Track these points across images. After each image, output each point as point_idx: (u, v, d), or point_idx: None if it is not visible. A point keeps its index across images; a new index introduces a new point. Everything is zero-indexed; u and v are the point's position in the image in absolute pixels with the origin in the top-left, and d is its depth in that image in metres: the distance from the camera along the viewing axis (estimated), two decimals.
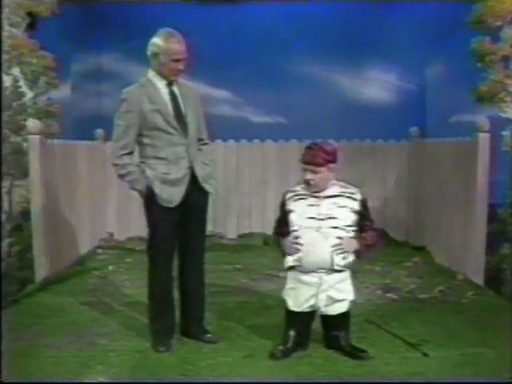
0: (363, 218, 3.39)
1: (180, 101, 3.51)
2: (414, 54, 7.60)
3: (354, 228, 3.36)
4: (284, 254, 3.40)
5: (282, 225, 3.43)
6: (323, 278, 3.31)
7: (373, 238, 3.44)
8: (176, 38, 3.45)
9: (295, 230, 3.34)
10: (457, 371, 3.18)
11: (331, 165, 3.33)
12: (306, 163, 3.32)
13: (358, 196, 3.38)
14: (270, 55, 7.53)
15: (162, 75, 3.48)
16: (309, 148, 3.36)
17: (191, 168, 3.50)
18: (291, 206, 3.38)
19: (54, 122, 5.63)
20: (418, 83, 7.80)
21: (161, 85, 3.49)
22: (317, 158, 3.30)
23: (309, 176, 3.32)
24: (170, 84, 3.50)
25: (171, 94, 3.50)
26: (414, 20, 7.48)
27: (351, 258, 3.35)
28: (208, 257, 5.73)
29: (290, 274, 3.42)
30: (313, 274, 3.32)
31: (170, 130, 3.45)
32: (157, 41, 3.45)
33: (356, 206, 3.36)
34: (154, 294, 3.58)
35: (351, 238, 3.34)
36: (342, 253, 3.30)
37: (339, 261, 3.30)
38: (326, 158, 3.31)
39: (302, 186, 3.41)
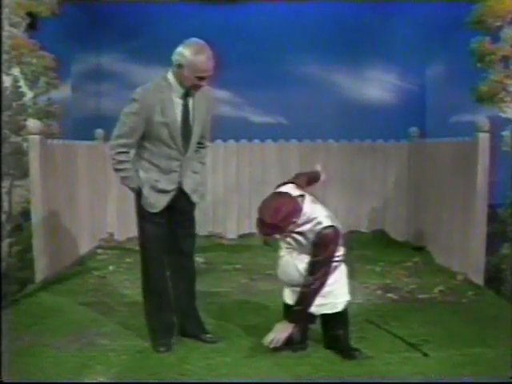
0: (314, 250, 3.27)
1: (191, 116, 3.44)
2: (413, 54, 7.60)
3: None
4: None
5: None
6: None
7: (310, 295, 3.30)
8: (205, 53, 3.30)
9: None
10: (457, 371, 3.18)
11: (286, 225, 3.20)
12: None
13: (317, 230, 3.23)
14: (270, 55, 7.53)
15: (182, 85, 3.38)
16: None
17: (181, 182, 3.50)
18: None
19: (54, 122, 5.63)
20: (418, 83, 7.80)
21: (177, 94, 3.38)
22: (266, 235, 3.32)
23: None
24: (186, 94, 3.41)
25: (184, 107, 3.41)
26: (413, 20, 7.48)
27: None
28: (208, 257, 5.75)
29: None
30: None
31: (172, 145, 3.42)
32: (185, 52, 3.29)
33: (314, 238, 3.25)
34: (148, 293, 3.59)
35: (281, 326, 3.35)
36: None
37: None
38: (270, 230, 3.22)
39: None
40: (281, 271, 3.44)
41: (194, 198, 3.58)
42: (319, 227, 3.22)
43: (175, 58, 3.33)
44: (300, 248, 3.31)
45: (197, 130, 3.48)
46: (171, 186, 3.47)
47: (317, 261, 3.22)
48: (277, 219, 3.15)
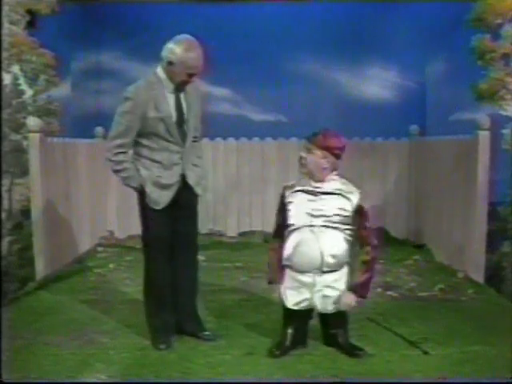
0: (357, 223, 3.32)
1: (184, 109, 3.47)
2: (414, 52, 7.58)
3: (347, 227, 3.31)
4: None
5: (281, 227, 3.41)
6: (316, 278, 3.30)
7: (373, 263, 3.40)
8: (196, 51, 3.33)
9: (291, 226, 3.32)
10: (457, 369, 3.18)
11: (332, 157, 3.41)
12: (310, 143, 3.41)
13: (355, 199, 3.32)
14: (270, 53, 7.51)
15: (172, 81, 3.41)
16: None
17: (183, 174, 3.50)
18: (289, 198, 3.37)
19: (53, 119, 5.63)
20: (418, 81, 7.78)
21: (169, 89, 3.42)
22: (320, 141, 3.38)
23: (302, 153, 3.37)
24: (177, 89, 3.44)
25: (177, 101, 3.44)
26: (414, 17, 7.46)
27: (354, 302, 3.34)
28: (208, 255, 5.73)
29: (288, 273, 3.40)
30: (307, 274, 3.32)
31: (170, 138, 3.43)
32: (175, 49, 3.32)
33: (351, 208, 3.30)
34: (150, 291, 3.59)
35: (347, 293, 3.30)
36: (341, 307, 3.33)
37: (330, 262, 3.27)
38: (330, 145, 3.39)
39: (301, 179, 3.40)
40: (298, 251, 3.30)
41: (198, 190, 3.58)
42: (352, 197, 3.37)
43: (166, 54, 3.36)
44: (325, 220, 3.30)
45: (192, 122, 3.50)
46: (174, 180, 3.47)
47: (363, 228, 3.41)
48: (342, 141, 3.50)
